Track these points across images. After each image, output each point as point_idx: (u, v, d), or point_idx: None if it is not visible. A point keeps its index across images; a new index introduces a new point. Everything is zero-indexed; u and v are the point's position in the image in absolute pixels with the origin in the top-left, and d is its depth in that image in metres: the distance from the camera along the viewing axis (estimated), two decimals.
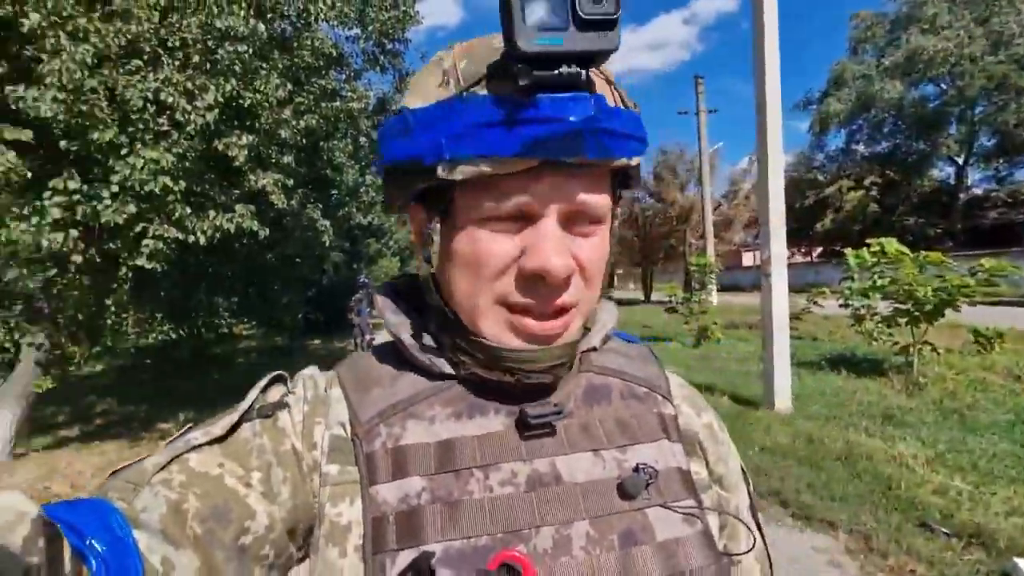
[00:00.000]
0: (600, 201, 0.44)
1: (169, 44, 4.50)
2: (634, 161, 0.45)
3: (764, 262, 5.40)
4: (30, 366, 5.16)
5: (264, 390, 0.49)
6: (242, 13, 4.80)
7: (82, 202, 4.23)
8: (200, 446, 0.43)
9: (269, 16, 5.48)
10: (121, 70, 4.25)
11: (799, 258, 35.66)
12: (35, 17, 3.85)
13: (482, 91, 0.41)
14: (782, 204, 5.32)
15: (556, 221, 0.42)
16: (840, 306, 7.22)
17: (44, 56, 3.93)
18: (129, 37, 4.20)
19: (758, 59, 5.27)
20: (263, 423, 0.47)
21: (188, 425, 0.47)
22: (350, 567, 0.41)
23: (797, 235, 31.24)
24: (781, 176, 5.38)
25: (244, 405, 0.47)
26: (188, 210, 4.73)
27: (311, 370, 0.54)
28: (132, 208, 4.36)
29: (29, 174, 4.19)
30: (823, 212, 29.32)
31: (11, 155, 4.01)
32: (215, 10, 4.57)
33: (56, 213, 4.18)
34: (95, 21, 4.10)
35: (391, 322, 0.52)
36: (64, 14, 3.96)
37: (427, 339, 0.51)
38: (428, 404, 0.48)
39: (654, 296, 24.72)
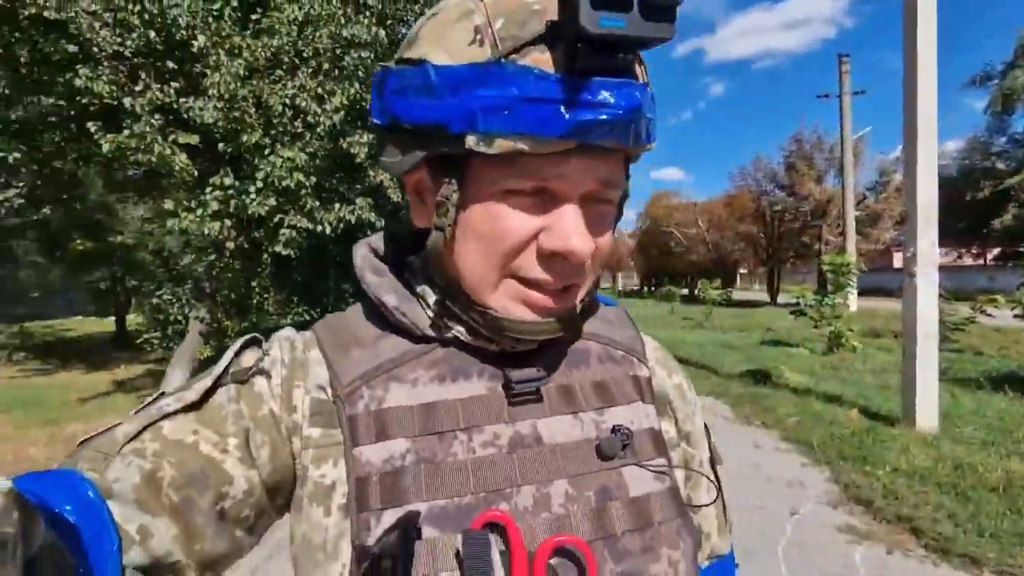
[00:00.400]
0: (619, 184, 0.44)
1: (304, 54, 5.08)
2: (652, 145, 0.45)
3: (907, 260, 4.70)
4: (195, 336, 6.15)
5: (238, 353, 0.48)
6: (366, 22, 5.27)
7: (234, 196, 4.96)
8: (174, 413, 0.43)
9: (389, 23, 5.95)
10: (266, 80, 4.88)
11: (969, 260, 30.54)
12: (202, 39, 4.57)
13: (523, 60, 0.38)
14: (933, 192, 4.59)
15: (578, 202, 0.42)
16: (1016, 317, 6.10)
17: (208, 71, 4.65)
18: (272, 50, 4.82)
19: (908, 19, 4.59)
20: (239, 388, 0.46)
21: (159, 392, 0.47)
22: (335, 525, 0.42)
23: (968, 234, 26.72)
24: (934, 160, 4.65)
25: (218, 369, 0.46)
26: (317, 203, 5.32)
27: (287, 331, 0.53)
28: (272, 201, 5.01)
29: (196, 172, 4.98)
30: (1003, 206, 24.62)
31: (183, 156, 4.80)
32: (343, 20, 5.06)
33: (214, 206, 4.94)
34: (247, 38, 4.76)
35: (372, 283, 0.51)
36: (223, 34, 4.65)
37: (411, 301, 0.50)
38: (411, 367, 0.47)
39: (781, 298, 22.70)
